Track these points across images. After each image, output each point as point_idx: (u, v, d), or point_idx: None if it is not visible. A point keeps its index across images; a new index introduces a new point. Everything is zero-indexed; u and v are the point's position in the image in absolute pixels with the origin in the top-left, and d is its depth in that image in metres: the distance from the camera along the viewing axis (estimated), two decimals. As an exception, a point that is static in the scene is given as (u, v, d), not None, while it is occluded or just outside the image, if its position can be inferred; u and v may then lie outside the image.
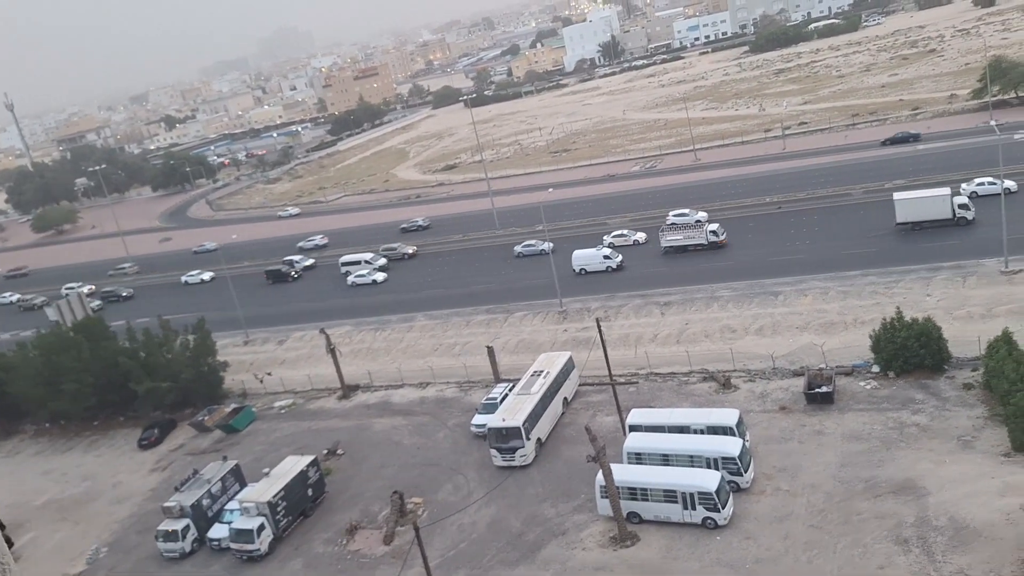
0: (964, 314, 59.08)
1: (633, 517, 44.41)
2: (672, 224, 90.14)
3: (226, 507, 53.79)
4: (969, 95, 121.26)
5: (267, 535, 49.93)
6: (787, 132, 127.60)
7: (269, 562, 49.38)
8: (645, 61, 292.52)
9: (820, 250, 78.03)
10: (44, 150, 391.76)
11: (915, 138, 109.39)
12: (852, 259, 73.20)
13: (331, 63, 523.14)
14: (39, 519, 61.48)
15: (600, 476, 43.73)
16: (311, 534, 51.27)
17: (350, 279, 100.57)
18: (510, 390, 58.59)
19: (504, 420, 52.95)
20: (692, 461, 45.53)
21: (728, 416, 48.50)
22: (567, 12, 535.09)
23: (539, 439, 54.01)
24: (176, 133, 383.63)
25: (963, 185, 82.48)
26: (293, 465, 53.53)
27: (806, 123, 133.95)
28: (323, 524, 52.00)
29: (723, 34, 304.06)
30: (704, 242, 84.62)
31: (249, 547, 49.43)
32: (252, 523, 49.71)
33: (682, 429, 48.61)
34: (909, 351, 52.12)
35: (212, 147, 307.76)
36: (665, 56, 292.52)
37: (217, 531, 52.03)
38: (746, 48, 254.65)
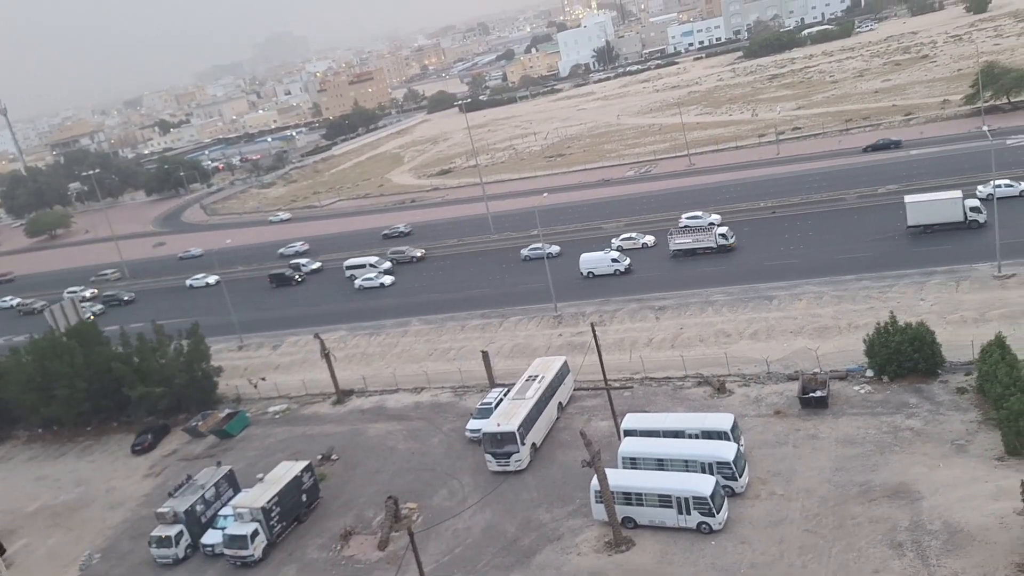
0: (957, 318, 59.28)
1: (628, 522, 44.37)
2: (685, 227, 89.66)
3: (220, 513, 53.60)
4: (962, 100, 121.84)
5: (261, 541, 49.74)
6: (781, 137, 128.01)
7: (263, 568, 49.17)
8: (639, 66, 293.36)
9: (814, 255, 78.21)
10: (37, 154, 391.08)
11: (896, 144, 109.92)
12: (847, 263, 73.36)
13: (326, 68, 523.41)
14: (31, 525, 61.16)
15: (595, 481, 43.69)
16: (305, 540, 51.09)
17: (357, 282, 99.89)
18: (505, 395, 58.57)
19: (499, 425, 52.88)
20: (687, 466, 45.53)
21: (723, 421, 48.54)
22: (562, 17, 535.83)
23: (534, 444, 53.94)
24: (170, 137, 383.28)
25: (979, 187, 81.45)
26: (287, 471, 53.40)
27: (800, 128, 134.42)
28: (317, 530, 51.83)
29: (717, 40, 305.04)
30: (713, 245, 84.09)
31: (243, 553, 49.23)
32: (246, 529, 49.53)
33: (677, 434, 48.62)
34: (903, 355, 52.27)
35: (206, 151, 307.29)
36: (659, 61, 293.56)
37: (211, 537, 51.82)
38: (740, 53, 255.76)
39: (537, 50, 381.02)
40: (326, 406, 69.68)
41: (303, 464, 54.19)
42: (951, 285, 64.83)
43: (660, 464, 46.29)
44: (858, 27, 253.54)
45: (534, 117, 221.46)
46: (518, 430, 52.11)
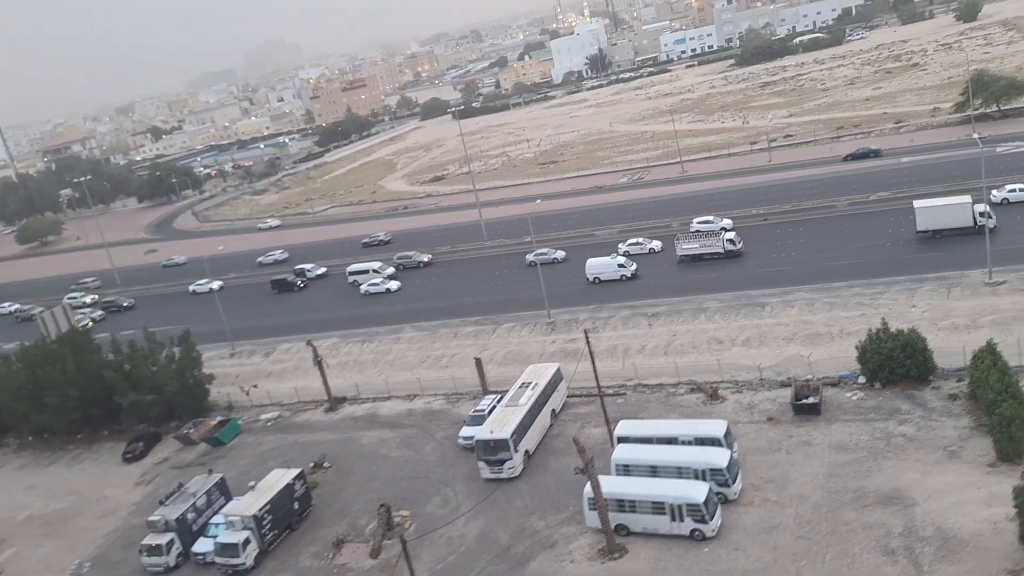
0: (949, 325, 59.51)
1: (621, 529, 44.32)
2: (696, 231, 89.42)
3: (211, 521, 53.32)
4: (952, 108, 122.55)
5: (253, 549, 49.48)
6: (773, 144, 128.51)
7: (255, 576, 48.93)
8: (632, 74, 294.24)
9: (806, 261, 78.44)
10: (28, 161, 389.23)
11: (875, 153, 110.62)
12: (839, 270, 73.59)
13: (319, 74, 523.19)
14: (22, 534, 60.72)
15: (588, 488, 43.62)
16: (297, 548, 50.87)
17: (363, 288, 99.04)
18: (498, 402, 58.47)
19: (492, 432, 52.79)
20: (680, 473, 45.52)
21: (716, 427, 48.57)
22: (555, 25, 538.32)
23: (527, 451, 53.87)
24: (162, 144, 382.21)
25: (993, 192, 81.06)
26: (279, 478, 53.16)
27: (791, 136, 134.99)
28: (309, 538, 51.62)
29: (709, 47, 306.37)
30: (721, 251, 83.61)
31: (234, 561, 48.98)
32: (237, 537, 49.28)
33: (670, 440, 48.63)
34: (895, 362, 52.44)
35: (198, 158, 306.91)
36: (652, 69, 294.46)
37: (202, 545, 51.54)
38: (732, 61, 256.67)
39: (530, 57, 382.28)
40: (318, 413, 69.46)
41: (295, 472, 53.96)
42: (942, 292, 65.12)
43: (653, 471, 46.25)
44: (849, 35, 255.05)
45: (527, 124, 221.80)
46: (511, 437, 52.01)
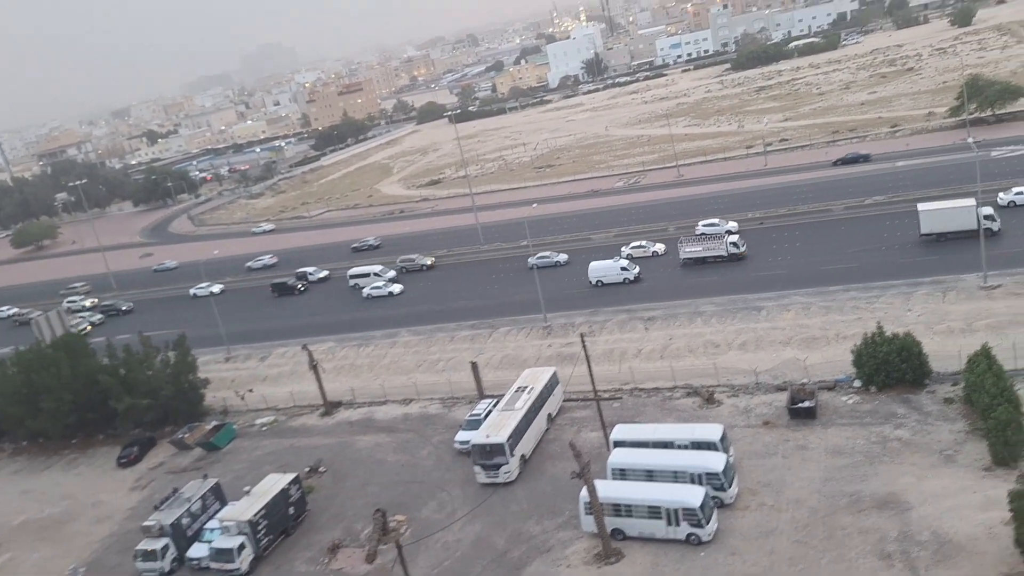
0: (944, 329, 59.61)
1: (617, 534, 44.25)
2: (701, 235, 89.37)
3: (206, 526, 53.14)
4: (946, 113, 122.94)
5: (248, 554, 49.35)
6: (769, 148, 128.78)
7: (250, 582, 48.78)
8: (628, 78, 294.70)
9: (802, 265, 78.54)
10: (24, 165, 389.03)
11: (865, 158, 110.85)
12: (834, 274, 73.67)
13: (315, 78, 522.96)
14: (16, 539, 60.49)
15: (584, 492, 43.59)
16: (293, 553, 50.72)
17: (365, 291, 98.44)
18: (494, 406, 58.39)
19: (488, 436, 52.73)
20: (676, 477, 45.48)
21: (712, 431, 48.56)
22: (551, 29, 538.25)
23: (523, 455, 53.81)
24: (158, 148, 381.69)
25: (1000, 194, 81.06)
26: (274, 483, 53.06)
27: (787, 140, 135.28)
28: (305, 543, 51.47)
29: (705, 52, 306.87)
30: (724, 254, 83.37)
31: (229, 566, 48.84)
32: (232, 542, 49.15)
33: (666, 444, 48.60)
34: (891, 366, 52.50)
35: (194, 162, 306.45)
36: (648, 73, 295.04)
37: (197, 550, 51.36)
38: (728, 66, 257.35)
39: (526, 61, 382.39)
40: (314, 418, 69.32)
41: (291, 476, 53.86)
42: (938, 296, 65.25)
43: (649, 475, 46.23)
44: (844, 40, 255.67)
45: (523, 128, 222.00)
46: (507, 442, 51.96)
